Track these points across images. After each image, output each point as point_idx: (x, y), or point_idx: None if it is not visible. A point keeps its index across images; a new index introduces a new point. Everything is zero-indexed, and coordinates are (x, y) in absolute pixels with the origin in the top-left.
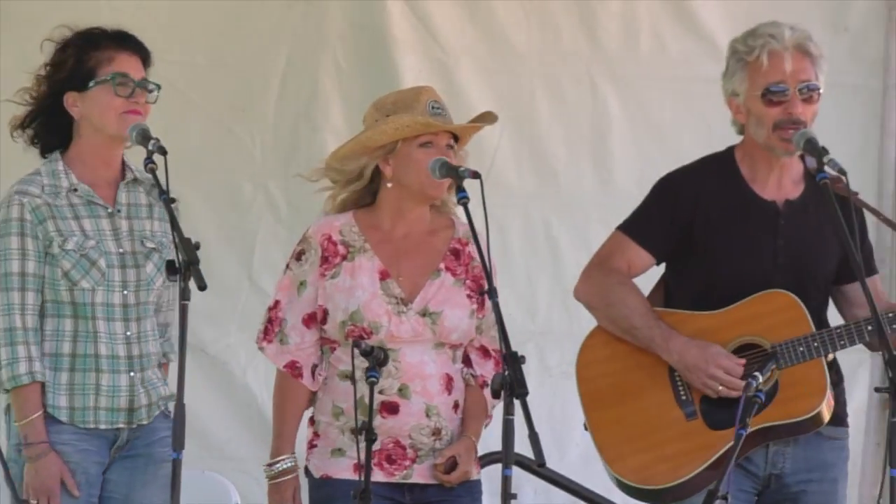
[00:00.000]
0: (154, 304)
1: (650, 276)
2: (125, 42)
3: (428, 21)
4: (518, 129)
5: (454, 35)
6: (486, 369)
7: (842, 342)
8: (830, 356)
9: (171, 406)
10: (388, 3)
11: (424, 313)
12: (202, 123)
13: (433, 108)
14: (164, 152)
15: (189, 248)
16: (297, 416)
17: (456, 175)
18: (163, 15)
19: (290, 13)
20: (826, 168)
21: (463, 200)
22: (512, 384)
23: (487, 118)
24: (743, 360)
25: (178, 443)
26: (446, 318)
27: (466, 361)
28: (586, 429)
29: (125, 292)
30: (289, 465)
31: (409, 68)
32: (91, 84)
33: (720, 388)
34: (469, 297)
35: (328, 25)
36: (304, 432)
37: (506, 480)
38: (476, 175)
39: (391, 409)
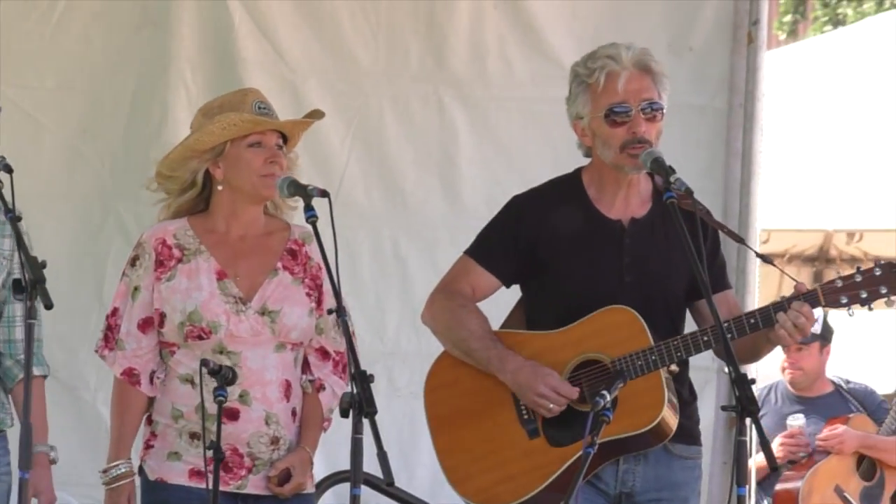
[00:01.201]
0: None
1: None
2: None
3: (275, 41)
4: (366, 149)
5: (302, 55)
6: (325, 371)
7: (678, 353)
8: (674, 368)
9: None
10: (235, 24)
11: (263, 312)
12: (52, 146)
13: (259, 107)
14: (9, 170)
15: (35, 267)
16: (134, 423)
17: (304, 193)
18: (13, 39)
19: (137, 36)
20: (673, 187)
21: (311, 219)
22: (361, 403)
23: (315, 115)
24: (577, 390)
25: (24, 462)
26: (285, 315)
27: (304, 366)
28: None
29: None
30: (123, 469)
31: (258, 88)
32: None
33: (551, 406)
34: (308, 295)
35: (176, 47)
36: (140, 429)
37: (354, 499)
38: (324, 193)
39: (231, 414)
